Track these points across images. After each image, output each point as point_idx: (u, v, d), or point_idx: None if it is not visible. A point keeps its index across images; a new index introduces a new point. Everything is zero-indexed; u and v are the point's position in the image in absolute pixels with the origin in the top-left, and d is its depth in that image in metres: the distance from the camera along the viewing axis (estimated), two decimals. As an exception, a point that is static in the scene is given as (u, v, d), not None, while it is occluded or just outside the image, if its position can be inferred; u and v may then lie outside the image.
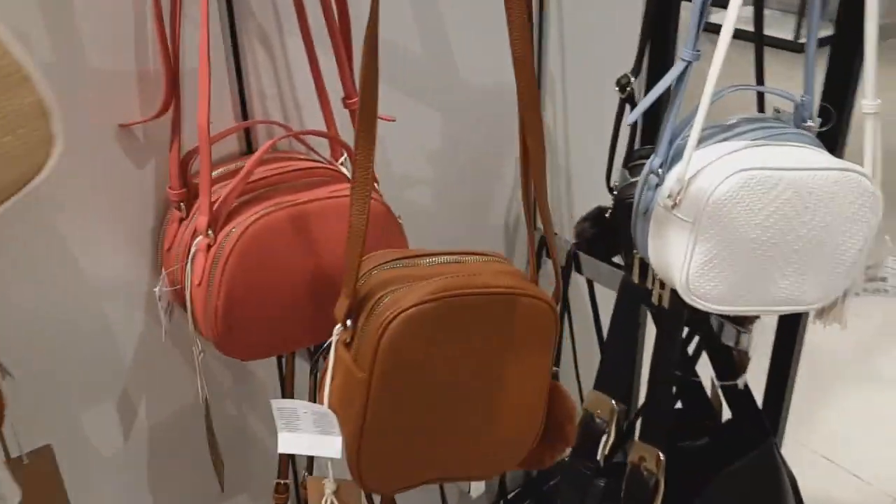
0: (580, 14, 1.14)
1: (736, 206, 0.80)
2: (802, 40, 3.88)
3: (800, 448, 1.94)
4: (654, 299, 0.95)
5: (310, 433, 0.66)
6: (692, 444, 1.20)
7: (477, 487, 1.41)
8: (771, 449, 1.14)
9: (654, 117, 1.12)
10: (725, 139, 0.87)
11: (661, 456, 1.03)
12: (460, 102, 1.03)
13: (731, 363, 1.11)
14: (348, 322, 0.63)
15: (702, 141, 0.88)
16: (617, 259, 1.12)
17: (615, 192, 1.04)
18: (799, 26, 4.11)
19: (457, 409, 0.65)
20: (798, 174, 0.81)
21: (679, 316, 0.98)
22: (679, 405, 1.27)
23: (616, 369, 1.09)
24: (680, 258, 0.83)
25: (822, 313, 0.97)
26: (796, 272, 0.85)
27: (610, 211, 1.08)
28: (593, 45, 1.17)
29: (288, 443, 0.66)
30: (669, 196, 0.83)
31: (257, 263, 0.75)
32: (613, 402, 1.08)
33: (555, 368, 0.75)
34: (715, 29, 0.80)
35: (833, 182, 0.82)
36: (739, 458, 1.13)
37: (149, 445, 0.96)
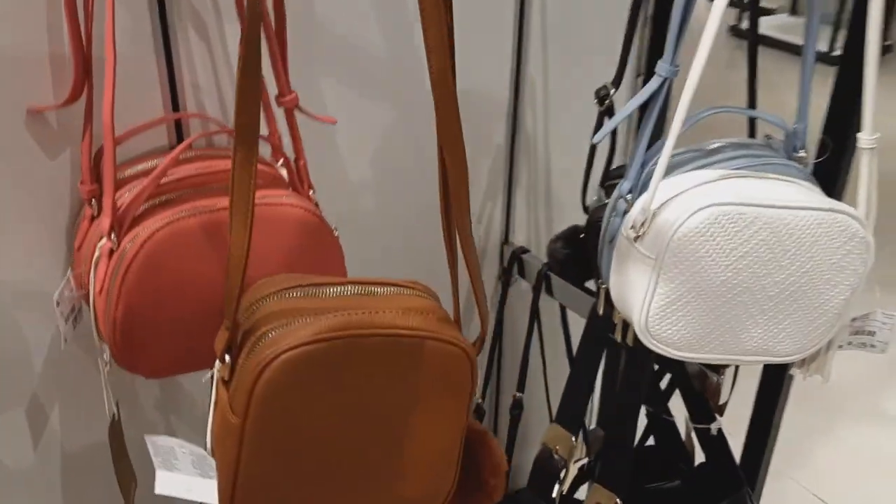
0: (564, 14, 1.05)
1: (704, 245, 0.71)
2: (838, 52, 3.74)
3: (787, 481, 1.85)
4: (618, 336, 0.86)
5: (189, 475, 0.59)
6: (662, 486, 1.12)
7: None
8: (744, 499, 1.05)
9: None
10: (703, 166, 0.78)
11: (619, 502, 0.95)
12: (419, 104, 0.95)
13: (704, 406, 1.03)
14: (227, 358, 0.55)
15: (676, 167, 0.79)
16: (591, 284, 1.04)
17: (588, 213, 0.96)
18: (834, 38, 3.97)
19: (350, 464, 0.58)
20: (777, 213, 0.72)
21: (644, 358, 0.89)
22: (652, 442, 1.20)
23: (579, 403, 1.00)
24: (640, 297, 0.75)
25: (803, 364, 0.88)
26: (771, 321, 0.76)
27: (583, 232, 1.00)
28: (578, 49, 1.08)
29: (165, 483, 0.59)
30: (633, 227, 0.75)
31: (162, 275, 0.68)
32: (573, 438, 1.00)
33: (478, 400, 0.66)
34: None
35: (817, 224, 0.73)
36: (710, 507, 1.05)
37: (62, 461, 0.90)
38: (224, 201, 0.71)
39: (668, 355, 0.77)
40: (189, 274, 0.69)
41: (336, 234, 0.78)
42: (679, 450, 1.12)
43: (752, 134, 0.90)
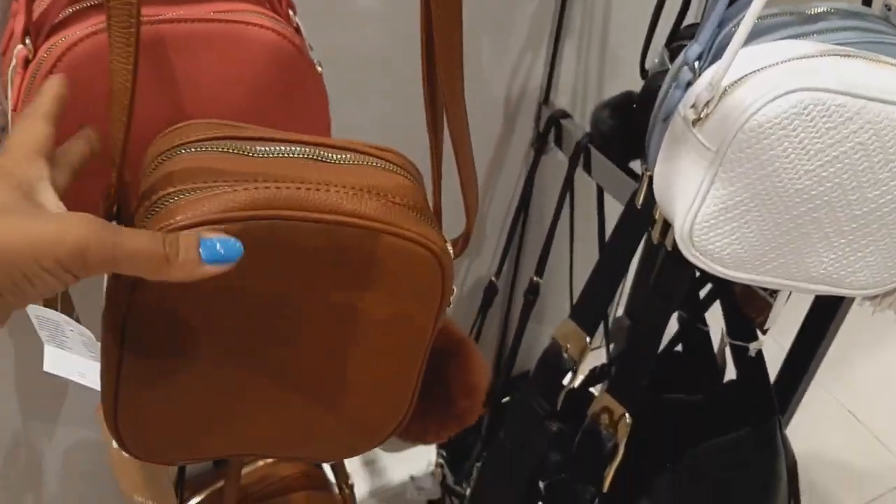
0: None
1: (783, 141, 0.54)
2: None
3: (820, 391, 1.73)
4: (655, 236, 0.71)
5: (82, 356, 0.47)
6: (682, 399, 1.00)
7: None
8: (773, 431, 0.93)
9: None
10: (798, 35, 0.60)
11: (628, 417, 0.83)
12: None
13: (746, 323, 0.88)
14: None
15: (763, 32, 0.61)
16: (637, 166, 0.87)
17: (645, 78, 0.78)
18: None
19: (271, 377, 0.45)
20: (890, 109, 0.54)
21: (683, 266, 0.74)
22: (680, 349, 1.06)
23: (600, 302, 0.87)
24: (688, 198, 0.59)
25: (876, 298, 0.73)
26: (849, 246, 0.60)
27: (636, 102, 0.83)
28: None
29: (56, 362, 0.47)
30: (694, 106, 0.58)
31: (83, 96, 0.54)
32: (588, 338, 0.87)
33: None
34: None
35: (939, 130, 0.55)
36: (732, 431, 0.93)
37: None
38: (171, 11, 0.56)
39: (713, 272, 0.62)
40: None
41: (319, 70, 0.62)
42: (709, 363, 0.99)
43: (867, 2, 0.70)
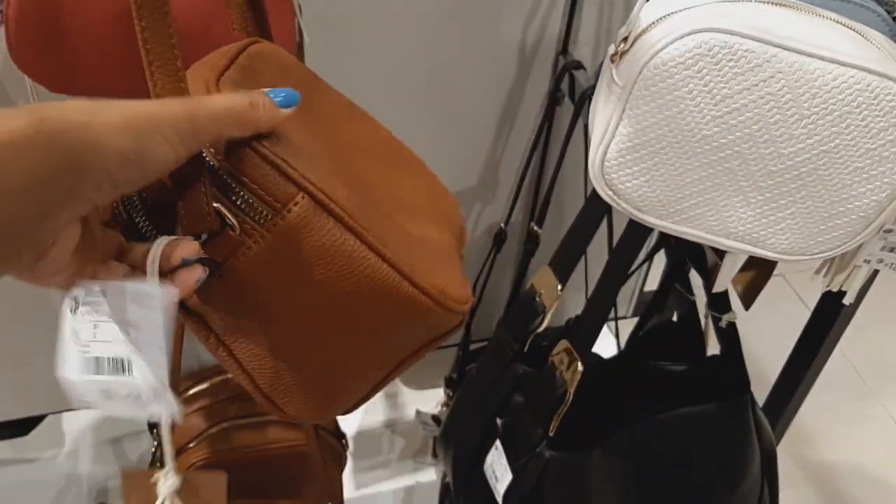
0: None
1: (687, 82, 0.54)
2: None
3: (873, 403, 1.64)
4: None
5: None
6: (663, 366, 0.99)
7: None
8: (743, 408, 0.91)
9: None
10: (746, -16, 0.59)
11: (580, 367, 0.84)
12: None
13: (722, 295, 0.87)
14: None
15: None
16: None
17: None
18: None
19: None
20: (802, 60, 0.53)
21: (635, 223, 0.74)
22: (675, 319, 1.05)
23: (573, 252, 0.87)
24: (599, 132, 0.59)
25: (825, 268, 0.71)
26: (767, 203, 0.59)
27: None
28: None
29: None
30: (614, 45, 0.58)
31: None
32: (560, 286, 0.88)
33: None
34: None
35: (859, 90, 0.53)
36: (704, 403, 0.91)
37: None
38: None
39: (628, 214, 0.62)
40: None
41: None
42: (697, 333, 0.98)
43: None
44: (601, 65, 0.85)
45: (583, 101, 0.93)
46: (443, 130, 1.01)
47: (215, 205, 0.41)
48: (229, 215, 0.41)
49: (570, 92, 0.98)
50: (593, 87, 0.92)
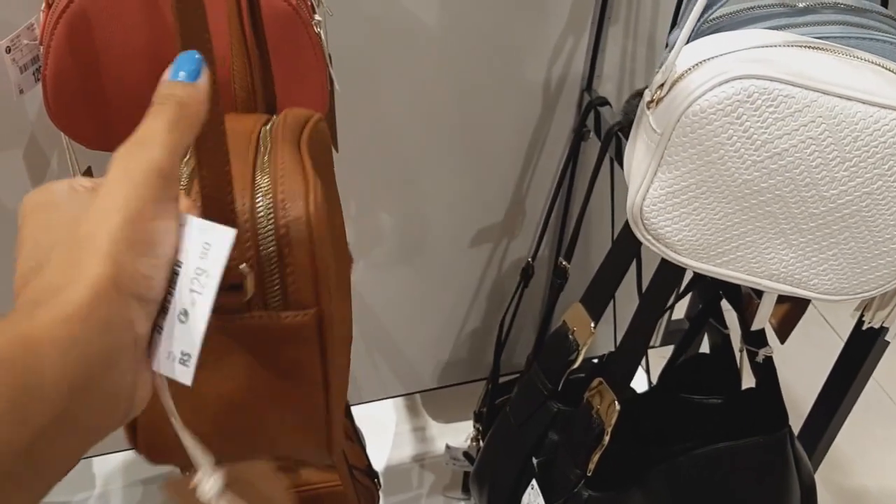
0: None
1: (727, 128, 0.54)
2: None
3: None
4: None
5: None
6: (700, 400, 0.98)
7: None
8: (783, 442, 0.89)
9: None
10: (781, 27, 0.59)
11: (617, 404, 0.83)
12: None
13: (758, 330, 0.86)
14: None
15: (747, 22, 0.60)
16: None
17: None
18: None
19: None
20: (843, 105, 0.53)
21: (669, 263, 0.74)
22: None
23: (606, 288, 0.87)
24: (638, 178, 0.59)
25: (867, 307, 0.70)
26: (810, 245, 0.58)
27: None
28: None
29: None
30: (649, 90, 0.58)
31: (96, 36, 0.60)
32: (593, 323, 0.88)
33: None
34: None
35: (901, 132, 0.53)
36: (743, 437, 0.90)
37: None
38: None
39: (666, 257, 0.62)
40: (127, 38, 0.61)
41: (318, 31, 0.67)
42: (731, 367, 0.97)
43: (884, 2, 0.67)
44: (626, 101, 0.86)
45: (609, 137, 0.93)
46: (470, 166, 1.01)
47: None
48: None
49: (595, 128, 0.98)
50: (619, 123, 0.93)
